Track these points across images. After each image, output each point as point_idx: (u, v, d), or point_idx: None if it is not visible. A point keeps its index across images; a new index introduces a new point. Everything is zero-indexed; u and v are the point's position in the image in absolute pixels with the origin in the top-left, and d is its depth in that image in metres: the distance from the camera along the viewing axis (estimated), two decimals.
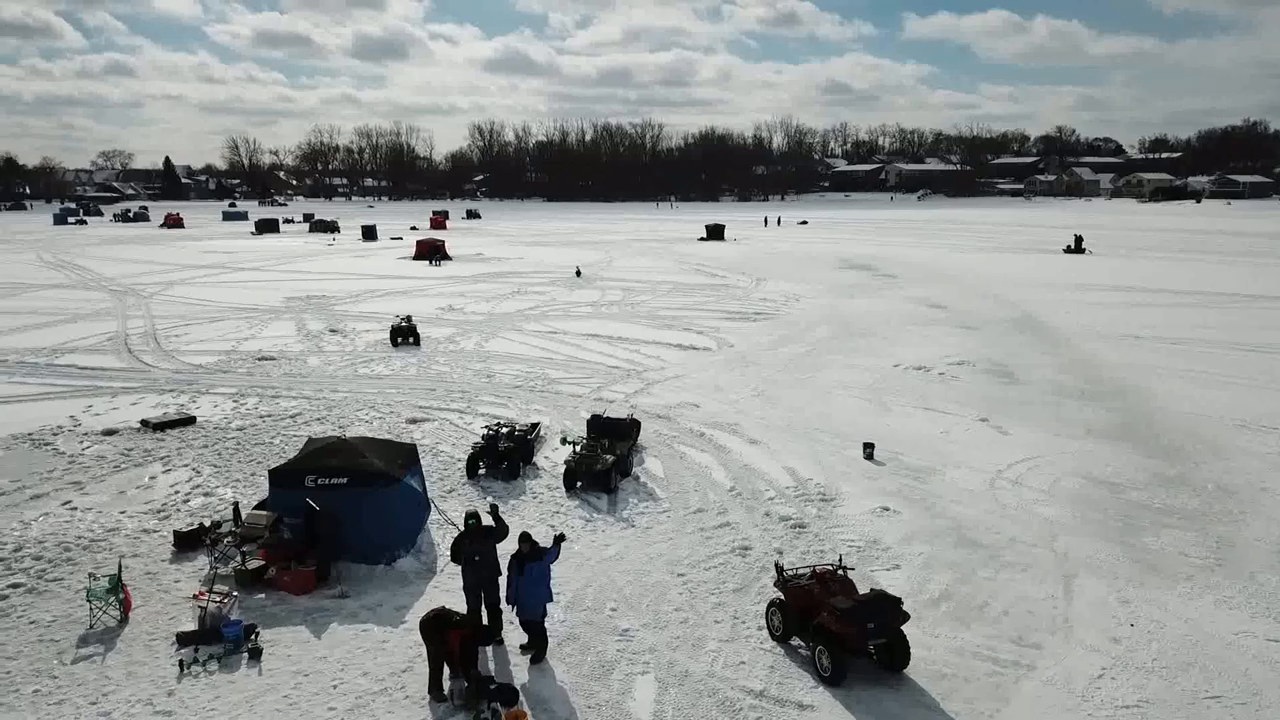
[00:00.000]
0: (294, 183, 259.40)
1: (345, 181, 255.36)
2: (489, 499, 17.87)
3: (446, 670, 11.33)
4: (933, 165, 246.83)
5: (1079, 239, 70.37)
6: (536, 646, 12.12)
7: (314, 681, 11.63)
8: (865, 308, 42.61)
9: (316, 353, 32.50)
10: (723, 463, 20.04)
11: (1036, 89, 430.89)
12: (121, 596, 13.13)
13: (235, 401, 25.47)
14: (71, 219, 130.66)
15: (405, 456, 16.25)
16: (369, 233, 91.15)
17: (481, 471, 19.25)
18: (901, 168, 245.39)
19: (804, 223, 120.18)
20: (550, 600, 12.22)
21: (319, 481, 14.83)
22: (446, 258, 66.34)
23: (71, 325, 38.38)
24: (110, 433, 22.45)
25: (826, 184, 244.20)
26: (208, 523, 15.97)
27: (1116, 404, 24.87)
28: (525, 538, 12.23)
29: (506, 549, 12.76)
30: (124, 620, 13.08)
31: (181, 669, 11.78)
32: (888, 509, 17.32)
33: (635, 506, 17.55)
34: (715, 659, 12.13)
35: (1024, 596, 13.84)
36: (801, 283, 52.24)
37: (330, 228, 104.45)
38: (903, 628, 11.72)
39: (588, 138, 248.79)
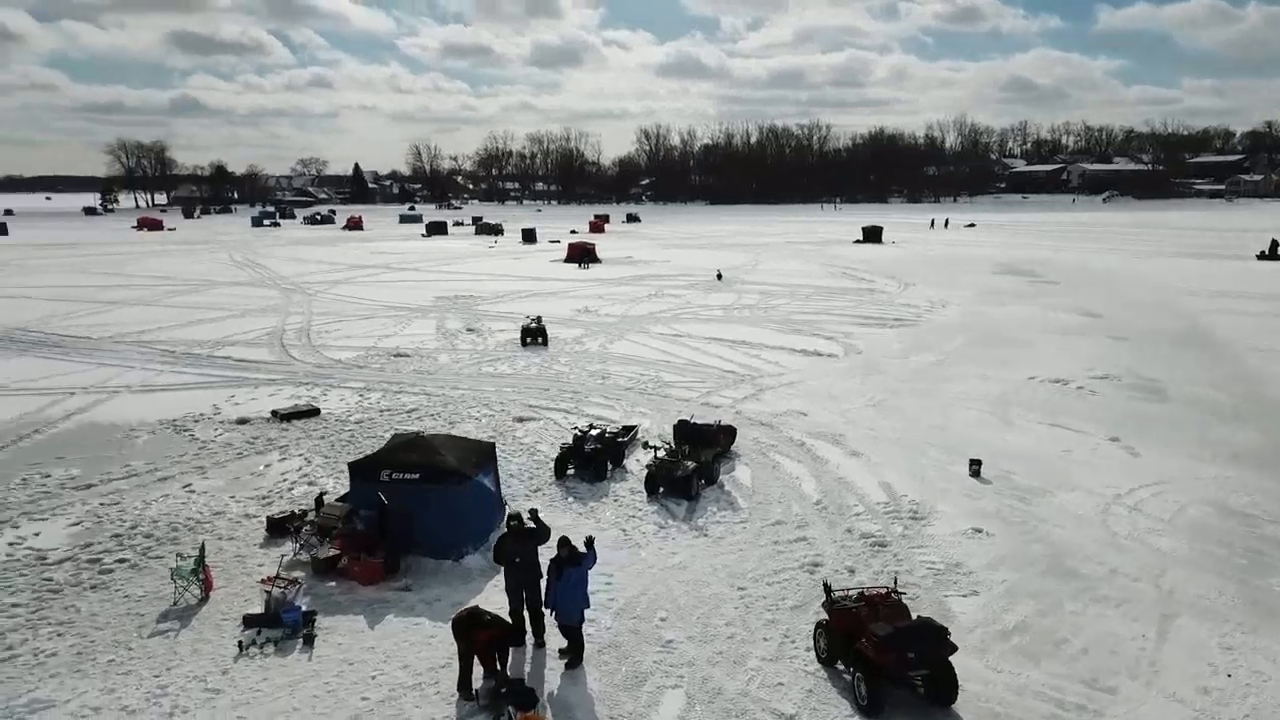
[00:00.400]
0: (470, 187, 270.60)
1: (517, 185, 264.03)
2: (570, 499, 18.04)
3: (480, 670, 11.44)
4: (1121, 165, 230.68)
5: (1275, 244, 64.12)
6: (573, 651, 12.07)
7: (356, 670, 12.00)
8: (1013, 315, 40.32)
9: (449, 350, 33.67)
10: (816, 474, 19.38)
11: (1247, 81, 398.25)
12: (202, 576, 13.97)
13: (361, 395, 26.73)
14: (266, 221, 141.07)
15: (480, 455, 16.54)
16: (528, 236, 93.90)
17: (570, 472, 19.38)
18: (1086, 168, 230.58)
19: (971, 225, 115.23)
20: (587, 606, 12.13)
21: (393, 476, 15.32)
22: (595, 260, 67.43)
23: (239, 320, 41.33)
24: (243, 421, 24.01)
25: (1003, 185, 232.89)
26: (298, 511, 16.77)
27: (1274, 426, 22.46)
28: (564, 542, 12.18)
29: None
30: (204, 599, 13.92)
31: (240, 649, 12.43)
32: (980, 530, 16.27)
33: (713, 515, 17.23)
34: (753, 678, 11.71)
35: (1110, 634, 12.66)
36: (951, 288, 50.01)
37: (494, 230, 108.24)
38: (952, 659, 10.95)
39: (753, 140, 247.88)
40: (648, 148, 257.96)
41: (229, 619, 13.38)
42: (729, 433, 20.70)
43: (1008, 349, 32.73)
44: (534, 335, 34.43)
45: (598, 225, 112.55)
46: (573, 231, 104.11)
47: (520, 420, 23.95)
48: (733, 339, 34.67)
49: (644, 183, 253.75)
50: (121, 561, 15.38)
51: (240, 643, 12.54)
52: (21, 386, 28.23)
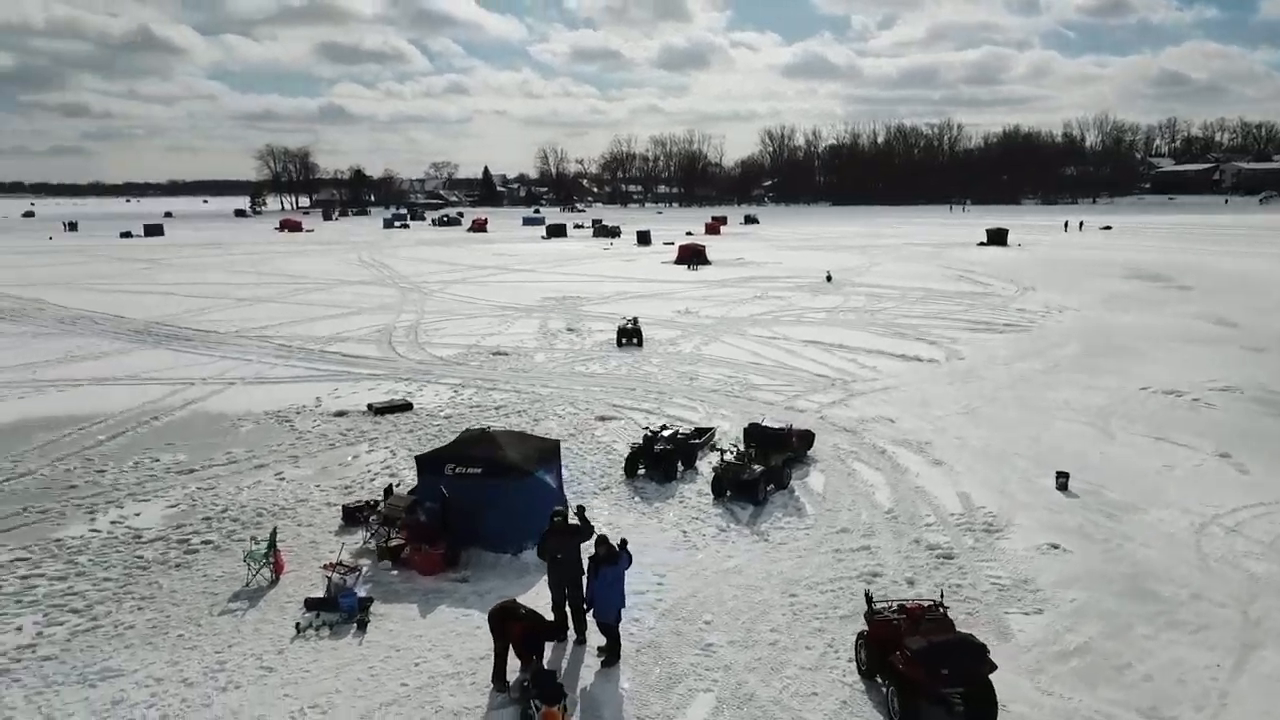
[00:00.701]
0: (595, 190, 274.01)
1: (640, 188, 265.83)
2: (636, 499, 18.10)
3: (517, 663, 11.62)
4: None
5: None
6: (609, 650, 12.12)
7: (402, 657, 12.39)
8: (1135, 322, 38.21)
9: (547, 349, 34.25)
10: (892, 483, 18.86)
11: None
12: (272, 560, 14.67)
13: (454, 392, 27.50)
14: (397, 223, 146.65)
15: (544, 452, 16.80)
16: (643, 238, 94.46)
17: (641, 472, 19.45)
18: (1241, 166, 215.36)
19: (1107, 228, 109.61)
20: (623, 605, 12.16)
21: (457, 470, 15.73)
22: (705, 262, 67.32)
23: (356, 317, 43.09)
24: (340, 414, 25.05)
25: (1147, 185, 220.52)
26: (371, 501, 17.38)
27: None
28: (602, 541, 12.27)
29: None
30: (275, 581, 14.62)
31: (298, 631, 13.00)
32: (1056, 546, 15.52)
33: (778, 520, 16.99)
34: (787, 686, 11.51)
35: (1180, 662, 11.89)
36: (1073, 293, 47.76)
37: (611, 232, 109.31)
38: (995, 678, 10.50)
39: (880, 140, 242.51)
40: (771, 149, 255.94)
41: (293, 601, 14.01)
42: (804, 437, 20.36)
43: (1124, 358, 31.05)
44: (629, 336, 34.67)
45: (714, 227, 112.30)
46: (688, 234, 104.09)
47: (602, 419, 24.18)
48: (830, 342, 34.06)
49: (766, 184, 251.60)
50: (207, 543, 16.30)
51: (298, 624, 13.12)
52: (150, 376, 30.23)
